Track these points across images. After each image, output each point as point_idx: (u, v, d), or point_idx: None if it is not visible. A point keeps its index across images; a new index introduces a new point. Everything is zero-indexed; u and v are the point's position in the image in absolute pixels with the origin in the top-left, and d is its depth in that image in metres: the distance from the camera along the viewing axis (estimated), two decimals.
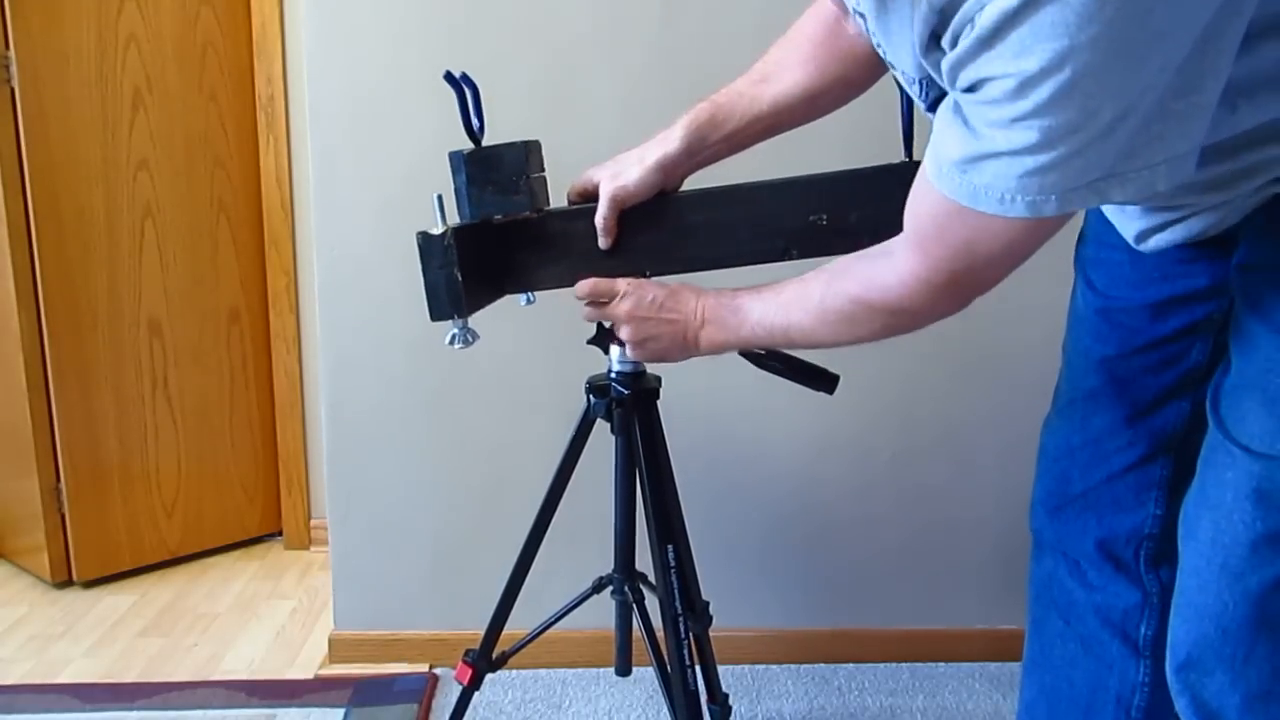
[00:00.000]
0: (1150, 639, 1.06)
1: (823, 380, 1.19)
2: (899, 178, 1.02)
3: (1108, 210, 0.97)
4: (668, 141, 1.09)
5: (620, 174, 1.10)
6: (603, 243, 1.11)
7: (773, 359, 1.18)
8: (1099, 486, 1.06)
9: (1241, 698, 0.83)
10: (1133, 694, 1.08)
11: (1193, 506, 0.87)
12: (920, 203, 0.82)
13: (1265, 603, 0.80)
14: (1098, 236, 1.03)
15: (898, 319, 0.91)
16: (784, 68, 1.08)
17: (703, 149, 1.10)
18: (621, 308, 1.08)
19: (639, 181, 1.09)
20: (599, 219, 1.10)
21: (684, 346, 1.08)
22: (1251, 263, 0.84)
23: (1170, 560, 1.04)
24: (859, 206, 1.04)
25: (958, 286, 0.85)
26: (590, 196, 1.12)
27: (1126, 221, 0.93)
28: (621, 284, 1.09)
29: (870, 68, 1.05)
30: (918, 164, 1.01)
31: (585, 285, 1.10)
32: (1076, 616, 1.10)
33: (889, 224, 1.03)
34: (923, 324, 0.91)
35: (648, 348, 1.10)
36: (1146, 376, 1.01)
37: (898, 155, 1.07)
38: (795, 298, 0.98)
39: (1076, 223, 1.08)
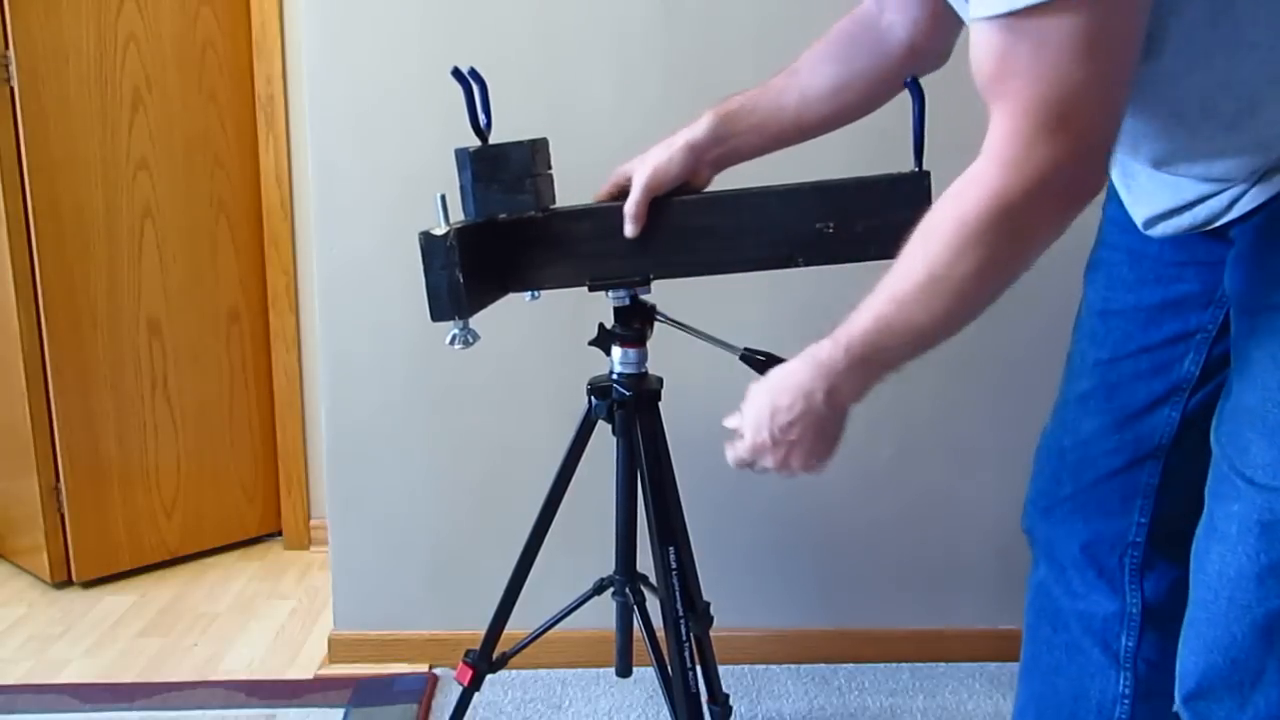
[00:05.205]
0: (1131, 651, 1.07)
1: None
2: (908, 188, 1.03)
3: (1122, 193, 0.97)
4: (695, 127, 1.08)
5: (649, 158, 1.09)
6: (629, 230, 1.09)
7: (775, 366, 1.18)
8: (1086, 489, 1.07)
9: None
10: (1114, 705, 1.08)
11: (1202, 538, 0.87)
12: (979, 57, 0.76)
13: (1273, 632, 0.81)
14: (1103, 239, 1.04)
15: (1018, 214, 0.76)
16: (814, 61, 1.08)
17: (731, 135, 1.08)
18: (743, 445, 0.95)
19: (669, 160, 1.07)
20: (630, 204, 1.08)
21: (829, 423, 0.91)
22: (1250, 294, 0.85)
23: (1155, 571, 1.05)
24: (867, 216, 1.04)
25: (1059, 127, 0.73)
26: (624, 193, 1.11)
27: (1137, 204, 0.94)
28: (734, 422, 0.96)
29: (901, 64, 1.04)
30: (927, 174, 1.01)
31: (731, 460, 0.97)
32: (1062, 624, 1.11)
33: (896, 234, 1.03)
34: (1049, 202, 0.76)
35: (801, 455, 0.93)
36: (1137, 383, 1.01)
37: (908, 165, 1.07)
38: (897, 288, 0.84)
39: (1090, 229, 1.08)
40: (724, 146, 1.09)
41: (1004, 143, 0.75)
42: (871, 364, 0.88)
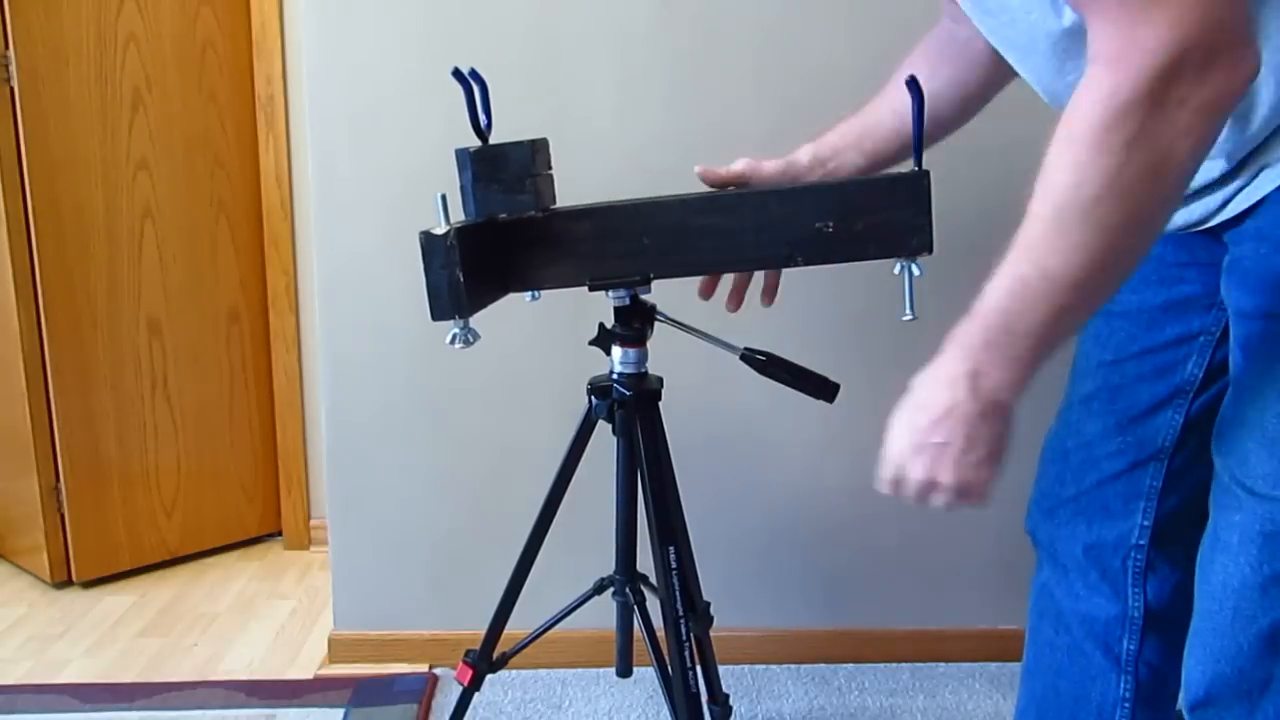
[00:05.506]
0: (1132, 654, 1.07)
1: (824, 389, 1.20)
2: (908, 187, 1.02)
3: None
4: (795, 150, 1.11)
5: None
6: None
7: (775, 366, 1.18)
8: (1090, 491, 1.07)
9: None
10: (1114, 708, 1.08)
11: (1206, 549, 0.87)
12: None
13: (1278, 640, 0.81)
14: None
15: (1138, 112, 0.66)
16: (901, 77, 1.10)
17: (831, 157, 1.10)
18: (887, 457, 0.83)
19: (768, 160, 1.10)
20: (724, 168, 1.10)
21: (979, 421, 0.78)
22: (1244, 302, 0.85)
23: (1157, 574, 1.05)
24: (866, 215, 1.04)
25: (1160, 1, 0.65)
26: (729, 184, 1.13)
27: None
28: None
29: (987, 70, 1.05)
30: (926, 174, 1.01)
31: (882, 483, 0.85)
32: (1064, 626, 1.11)
33: (896, 234, 1.03)
34: (1177, 92, 0.66)
35: (951, 464, 0.79)
36: (1140, 384, 1.01)
37: (907, 164, 1.07)
38: (1025, 235, 0.73)
39: None
40: (825, 168, 1.11)
41: (1105, 39, 0.67)
42: (1015, 336, 0.74)
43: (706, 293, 1.20)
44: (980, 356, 0.76)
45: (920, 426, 0.79)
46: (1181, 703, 0.89)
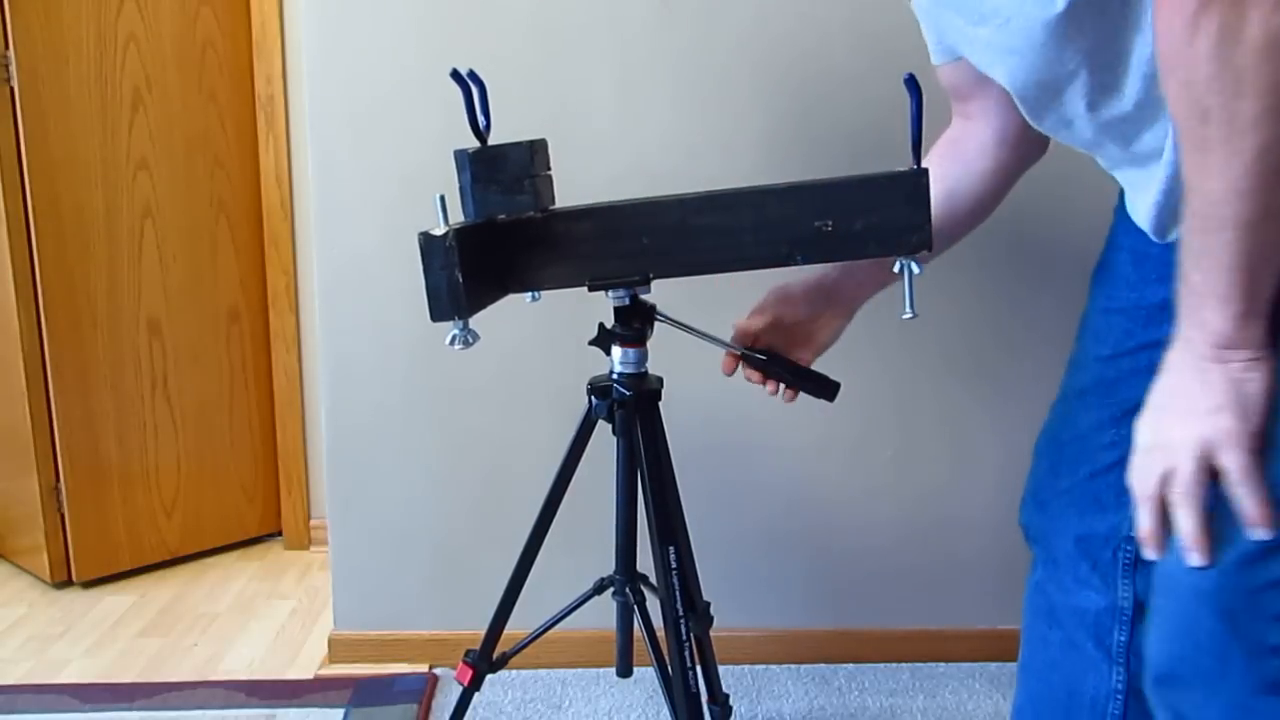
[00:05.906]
0: (1124, 646, 1.07)
1: (824, 388, 1.20)
2: (906, 186, 1.03)
3: (1130, 205, 0.97)
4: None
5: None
6: None
7: (776, 365, 1.18)
8: (1082, 483, 1.07)
9: (1219, 711, 0.84)
10: (1107, 701, 1.08)
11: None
12: None
13: (1237, 619, 0.81)
14: (1108, 241, 1.05)
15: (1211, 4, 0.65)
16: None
17: (857, 267, 1.15)
18: (1143, 446, 0.82)
19: (800, 281, 1.18)
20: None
21: (1205, 370, 0.75)
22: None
23: (1147, 566, 1.05)
24: (866, 213, 1.04)
25: None
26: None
27: (1147, 211, 0.93)
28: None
29: (997, 161, 1.09)
30: (925, 172, 1.02)
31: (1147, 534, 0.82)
32: (1056, 621, 1.12)
33: (896, 232, 1.03)
34: None
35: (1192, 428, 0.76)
36: (1134, 379, 1.01)
37: (906, 163, 1.07)
38: (1186, 177, 0.72)
39: (1096, 239, 1.08)
40: (856, 279, 1.17)
41: None
42: (1212, 272, 0.71)
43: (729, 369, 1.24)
44: (1192, 305, 0.74)
45: (1161, 398, 0.79)
46: (1145, 681, 0.89)
